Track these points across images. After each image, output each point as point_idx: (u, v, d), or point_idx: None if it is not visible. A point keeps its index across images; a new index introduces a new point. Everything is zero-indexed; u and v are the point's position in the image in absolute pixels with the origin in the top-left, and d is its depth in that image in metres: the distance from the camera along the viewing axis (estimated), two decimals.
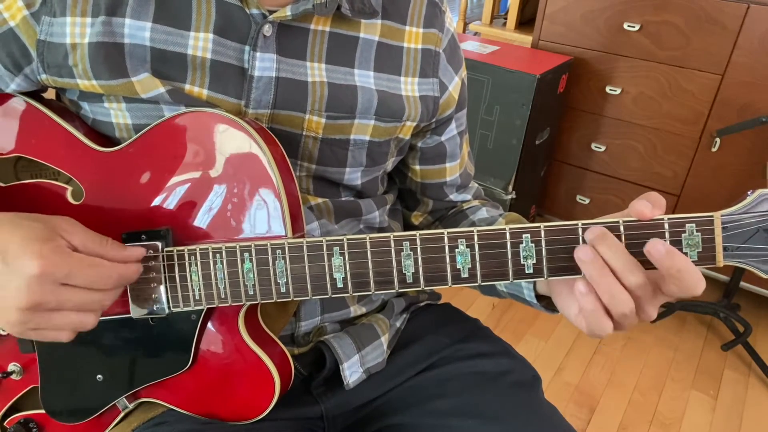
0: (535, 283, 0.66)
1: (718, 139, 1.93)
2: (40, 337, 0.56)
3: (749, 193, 0.52)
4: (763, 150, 1.87)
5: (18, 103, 0.68)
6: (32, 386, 0.70)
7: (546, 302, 0.67)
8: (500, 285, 0.73)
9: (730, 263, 0.53)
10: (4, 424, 0.72)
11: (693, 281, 0.51)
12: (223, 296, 0.61)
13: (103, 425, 0.70)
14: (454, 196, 0.86)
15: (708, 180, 2.02)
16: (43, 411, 0.69)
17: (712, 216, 0.52)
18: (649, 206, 0.52)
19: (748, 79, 1.84)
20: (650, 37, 1.96)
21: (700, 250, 0.53)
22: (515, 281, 0.57)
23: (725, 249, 0.52)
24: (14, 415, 0.72)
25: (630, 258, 0.52)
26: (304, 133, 0.68)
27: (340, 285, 0.59)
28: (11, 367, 0.70)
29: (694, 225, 0.52)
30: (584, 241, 0.54)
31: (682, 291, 0.52)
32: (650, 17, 1.94)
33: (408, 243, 0.57)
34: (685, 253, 0.53)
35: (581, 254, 0.53)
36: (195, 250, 0.61)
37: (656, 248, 0.51)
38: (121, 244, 0.60)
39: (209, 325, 0.65)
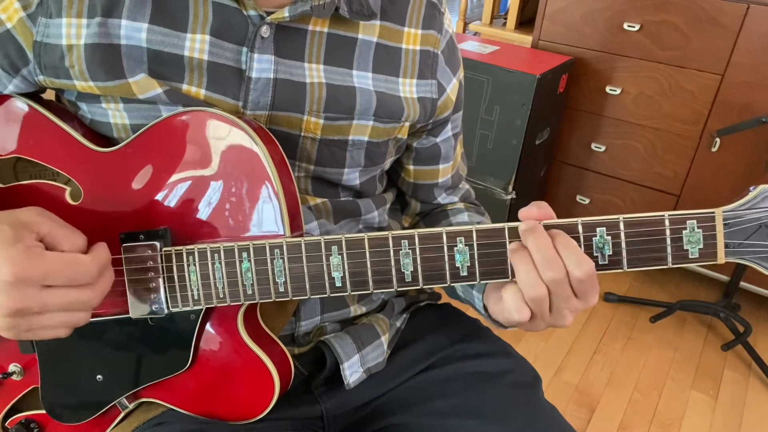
0: (484, 292, 0.67)
1: (718, 139, 1.93)
2: (37, 337, 0.55)
3: (751, 188, 0.51)
4: (763, 150, 1.86)
5: (16, 105, 0.68)
6: (33, 387, 0.70)
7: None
8: (458, 288, 0.75)
9: (732, 260, 0.53)
10: (6, 424, 0.72)
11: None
12: (221, 296, 0.61)
13: (104, 425, 0.70)
14: (442, 199, 0.86)
15: (708, 180, 2.01)
16: (43, 411, 0.69)
17: (713, 212, 0.52)
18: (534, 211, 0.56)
19: (748, 79, 1.84)
20: (650, 37, 1.96)
21: (702, 246, 0.52)
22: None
23: (727, 246, 0.52)
24: (15, 415, 0.72)
25: (552, 254, 0.54)
26: (303, 134, 0.67)
27: (338, 284, 0.59)
28: (12, 367, 0.70)
29: (695, 221, 0.52)
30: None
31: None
32: (650, 17, 1.94)
33: (407, 242, 0.57)
34: (686, 250, 0.52)
35: (511, 246, 0.56)
36: (193, 249, 0.61)
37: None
38: (83, 236, 0.57)
39: (208, 325, 0.65)
